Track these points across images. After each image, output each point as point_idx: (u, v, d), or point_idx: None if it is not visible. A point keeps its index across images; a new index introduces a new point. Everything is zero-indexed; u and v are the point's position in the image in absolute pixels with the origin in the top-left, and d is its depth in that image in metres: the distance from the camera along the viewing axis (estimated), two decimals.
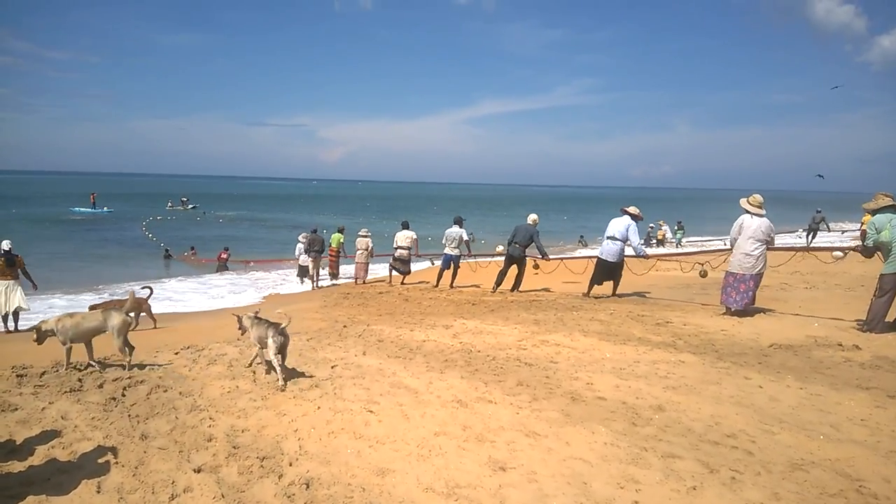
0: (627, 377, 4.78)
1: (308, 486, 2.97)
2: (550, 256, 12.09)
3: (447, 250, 12.38)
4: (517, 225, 11.28)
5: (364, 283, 14.44)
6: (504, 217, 48.44)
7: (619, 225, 9.63)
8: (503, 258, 11.59)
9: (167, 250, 23.49)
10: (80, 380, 4.57)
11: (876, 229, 6.55)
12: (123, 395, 4.28)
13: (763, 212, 7.71)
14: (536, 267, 11.82)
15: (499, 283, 11.30)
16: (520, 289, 11.17)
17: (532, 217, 11.28)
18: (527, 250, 11.10)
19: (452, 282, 12.32)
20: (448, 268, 12.41)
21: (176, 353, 5.64)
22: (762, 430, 3.66)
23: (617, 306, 8.46)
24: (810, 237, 24.32)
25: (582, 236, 30.14)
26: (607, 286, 9.96)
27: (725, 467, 3.14)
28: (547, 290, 11.44)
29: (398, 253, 13.57)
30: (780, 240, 25.10)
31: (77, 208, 43.54)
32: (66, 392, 4.29)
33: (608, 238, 9.69)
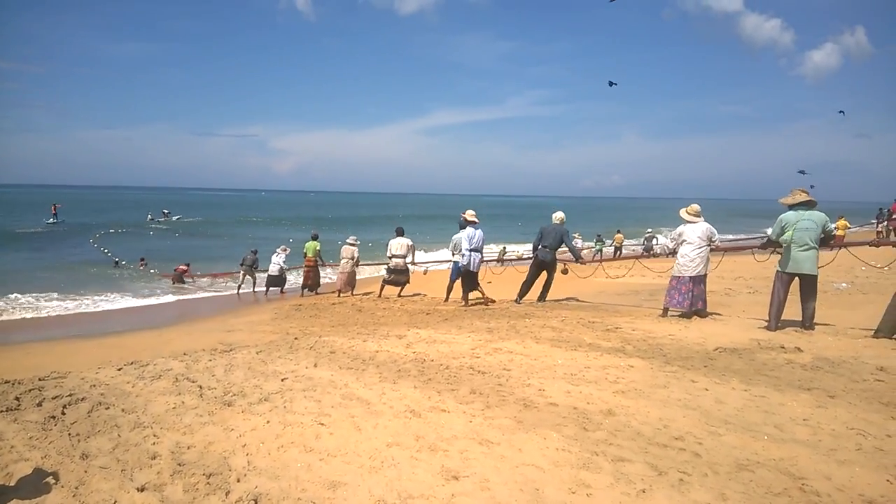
0: (578, 383, 4.82)
1: (256, 502, 2.90)
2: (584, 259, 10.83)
3: (455, 258, 10.81)
4: (542, 227, 10.12)
5: (352, 294, 13.61)
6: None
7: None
8: (518, 262, 10.63)
9: (116, 260, 23.09)
10: (17, 398, 4.38)
11: (782, 227, 6.85)
12: (63, 414, 4.11)
13: (701, 218, 8.02)
14: (565, 272, 10.55)
15: (524, 293, 10.13)
16: (547, 298, 10.14)
17: (558, 215, 10.06)
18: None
19: (465, 295, 10.69)
20: (458, 278, 10.81)
21: (119, 370, 5.44)
22: (709, 432, 3.73)
23: (568, 313, 8.55)
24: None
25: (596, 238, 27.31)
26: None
27: (674, 469, 3.19)
28: (574, 298, 10.73)
29: (394, 263, 12.44)
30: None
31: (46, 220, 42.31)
32: (2, 411, 4.10)
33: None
